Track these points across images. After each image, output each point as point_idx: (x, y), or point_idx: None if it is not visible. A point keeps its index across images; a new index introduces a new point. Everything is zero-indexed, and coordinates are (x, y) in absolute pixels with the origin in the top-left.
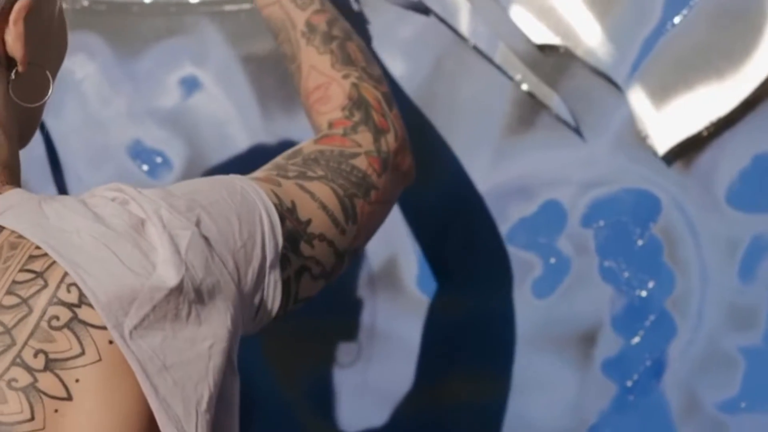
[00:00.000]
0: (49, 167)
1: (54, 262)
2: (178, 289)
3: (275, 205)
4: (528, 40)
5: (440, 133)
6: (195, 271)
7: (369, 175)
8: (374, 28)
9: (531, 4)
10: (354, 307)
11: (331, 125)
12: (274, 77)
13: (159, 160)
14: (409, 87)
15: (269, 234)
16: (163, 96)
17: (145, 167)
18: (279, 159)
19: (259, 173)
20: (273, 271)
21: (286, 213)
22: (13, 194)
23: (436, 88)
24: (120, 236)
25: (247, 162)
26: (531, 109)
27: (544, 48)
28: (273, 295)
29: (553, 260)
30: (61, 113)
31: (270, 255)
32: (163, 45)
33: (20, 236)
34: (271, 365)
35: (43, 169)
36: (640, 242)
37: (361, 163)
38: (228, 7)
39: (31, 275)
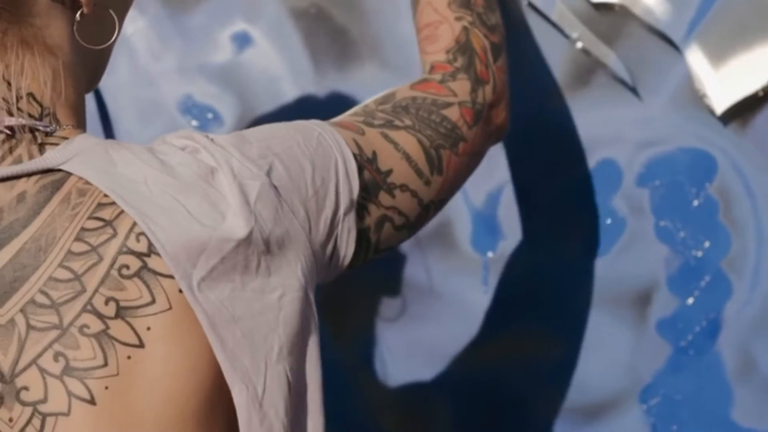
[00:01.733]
0: (99, 122)
1: (123, 211)
2: (247, 241)
3: (354, 154)
4: None
5: None
6: (264, 222)
7: (459, 127)
8: None
9: None
10: (406, 265)
11: (432, 68)
12: (326, 33)
13: (210, 116)
14: None
15: (344, 181)
16: (214, 52)
17: (195, 123)
18: (370, 102)
19: (344, 118)
20: (347, 218)
21: (366, 163)
22: (80, 140)
23: None
24: (188, 186)
25: (298, 118)
26: (587, 67)
27: (600, 6)
28: (346, 244)
29: (608, 220)
30: (112, 68)
31: (344, 203)
32: (214, 0)
33: (88, 183)
34: (321, 319)
35: (94, 124)
36: (695, 202)
37: (453, 113)
38: None
39: (100, 223)
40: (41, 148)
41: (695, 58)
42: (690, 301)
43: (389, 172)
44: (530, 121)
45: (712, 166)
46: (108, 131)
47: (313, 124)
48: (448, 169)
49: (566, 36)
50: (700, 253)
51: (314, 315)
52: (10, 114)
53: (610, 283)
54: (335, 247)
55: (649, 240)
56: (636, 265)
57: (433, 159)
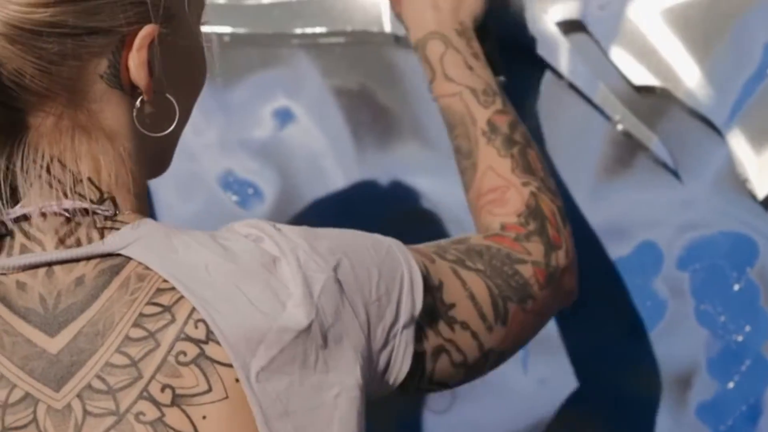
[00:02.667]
0: None
1: (182, 297)
2: (307, 332)
3: (422, 275)
4: (627, 81)
5: None
6: (325, 316)
7: (530, 285)
8: None
9: (631, 45)
10: None
11: (503, 227)
12: (367, 111)
13: (250, 191)
14: None
15: (407, 295)
16: (256, 127)
17: (235, 198)
18: (443, 240)
19: (416, 245)
20: (405, 332)
21: (431, 288)
22: (142, 225)
23: (532, 126)
24: (250, 274)
25: (339, 195)
26: (629, 149)
27: (642, 89)
28: (402, 359)
29: (649, 303)
30: None
31: (404, 316)
32: (257, 76)
33: (147, 268)
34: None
35: None
36: (736, 286)
37: (526, 270)
38: (323, 40)
39: (158, 309)
40: (101, 232)
41: (737, 142)
42: (730, 385)
43: (452, 305)
44: (572, 203)
45: (754, 250)
46: (149, 204)
47: (386, 237)
48: (514, 322)
49: (608, 118)
50: (740, 338)
51: (363, 422)
52: (69, 198)
53: (650, 365)
54: (390, 359)
55: (690, 323)
56: (676, 348)
57: (499, 308)
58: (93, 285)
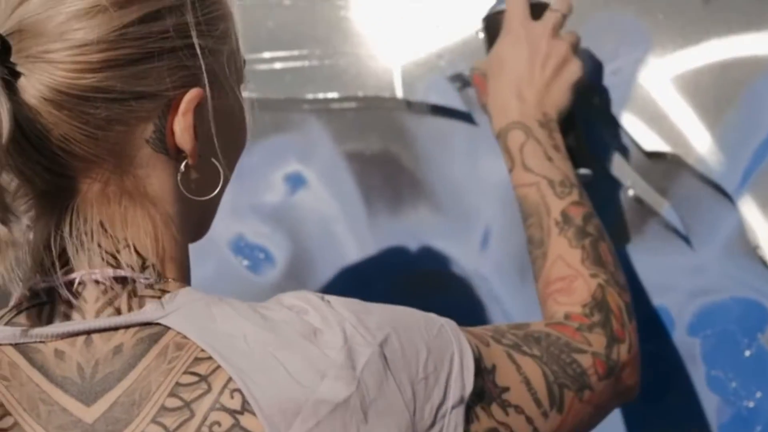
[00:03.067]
0: None
1: (219, 367)
2: (345, 405)
3: (474, 357)
4: (638, 147)
5: None
6: (367, 390)
7: (589, 375)
8: (482, 130)
9: (642, 112)
10: None
11: (567, 317)
12: (379, 176)
13: (261, 255)
14: None
15: (457, 375)
16: (267, 192)
17: (246, 263)
18: (502, 324)
19: (471, 328)
20: (454, 412)
21: (484, 371)
22: (182, 294)
23: None
24: (289, 344)
25: (351, 260)
26: (640, 215)
27: (653, 155)
28: None
29: (660, 367)
30: None
31: (453, 396)
32: (269, 141)
33: (186, 337)
34: None
35: None
36: (747, 352)
37: (585, 360)
38: (335, 105)
39: (195, 378)
40: (141, 300)
41: (748, 209)
42: None
43: (506, 389)
44: None
45: (765, 316)
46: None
47: (440, 318)
48: (570, 411)
49: (620, 184)
50: (752, 404)
51: None
52: (113, 265)
53: (663, 431)
54: None
55: (701, 389)
56: (687, 414)
57: (555, 395)
58: (131, 354)
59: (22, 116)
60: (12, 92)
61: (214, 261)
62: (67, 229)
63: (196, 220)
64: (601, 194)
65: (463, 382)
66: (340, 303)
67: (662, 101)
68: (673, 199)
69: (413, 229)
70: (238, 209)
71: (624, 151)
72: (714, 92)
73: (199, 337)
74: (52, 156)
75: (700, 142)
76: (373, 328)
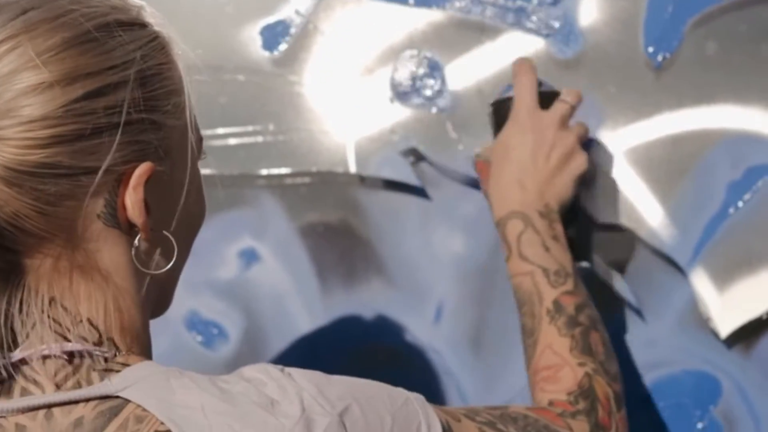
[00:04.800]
0: None
1: None
2: None
3: (444, 429)
4: (591, 220)
5: (502, 310)
6: None
7: None
8: (435, 204)
9: (595, 185)
10: None
11: (551, 403)
12: (333, 251)
13: (215, 331)
14: (470, 264)
15: None
16: (221, 267)
17: (200, 338)
18: (478, 405)
19: (442, 406)
20: None
21: None
22: (142, 367)
23: (498, 265)
24: (245, 415)
25: (304, 334)
26: (593, 288)
27: (606, 228)
28: None
29: None
30: None
31: None
32: (223, 216)
33: (146, 410)
34: None
35: None
36: (700, 425)
37: None
38: (288, 180)
39: None
40: (101, 374)
41: (700, 282)
42: None
43: None
44: None
45: (717, 388)
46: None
47: (405, 391)
48: None
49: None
50: None
51: None
52: (68, 340)
53: None
54: None
55: None
56: None
57: None
58: (92, 427)
59: None
60: None
61: (168, 336)
62: (19, 305)
63: (155, 294)
64: None
65: None
66: (300, 374)
67: (615, 175)
68: (626, 272)
69: (367, 303)
70: (191, 285)
71: (577, 224)
72: (666, 165)
73: (158, 409)
74: (4, 232)
75: (653, 215)
76: (332, 399)
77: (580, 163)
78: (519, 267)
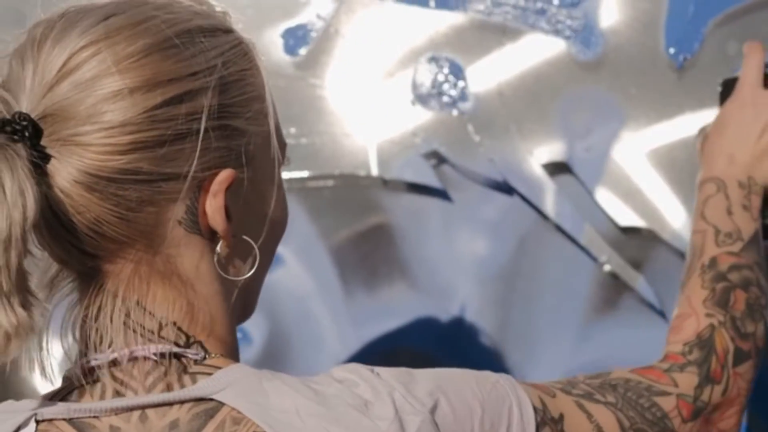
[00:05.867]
0: None
1: None
2: None
3: (536, 408)
4: (613, 222)
5: (524, 312)
6: None
7: (671, 418)
8: (457, 207)
9: (617, 187)
10: None
11: (665, 357)
12: (355, 254)
13: (239, 335)
14: (492, 266)
15: (517, 427)
16: None
17: None
18: (578, 375)
19: (537, 382)
20: None
21: (549, 421)
22: (234, 370)
23: (519, 268)
24: (340, 417)
25: (327, 338)
26: (615, 290)
27: (628, 230)
28: None
29: None
30: None
31: None
32: None
33: (241, 412)
34: None
35: None
36: None
37: (667, 403)
38: (311, 183)
39: None
40: (192, 377)
41: None
42: None
43: None
44: (559, 344)
45: None
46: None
47: (494, 373)
48: None
49: (594, 259)
50: None
51: None
52: (154, 342)
53: None
54: None
55: None
56: None
57: None
58: (188, 429)
59: (53, 199)
60: (42, 176)
61: None
62: (108, 309)
63: (239, 300)
64: (576, 270)
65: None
66: (388, 373)
67: (636, 176)
68: (648, 274)
69: (389, 307)
70: None
71: (599, 227)
72: (688, 166)
73: (253, 412)
74: (85, 238)
75: (675, 216)
76: (421, 396)
77: None
78: (697, 225)
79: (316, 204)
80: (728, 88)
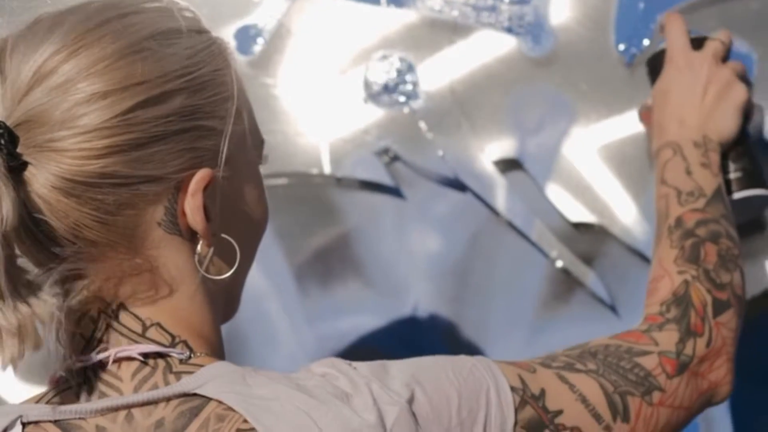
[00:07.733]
0: None
1: None
2: None
3: (515, 387)
4: (564, 218)
5: (477, 308)
6: None
7: (654, 376)
8: (410, 204)
9: (567, 183)
10: None
11: (643, 320)
12: (309, 253)
13: None
14: (445, 263)
15: (496, 411)
16: None
17: None
18: (558, 350)
19: (516, 360)
20: None
21: (530, 399)
22: (218, 366)
23: (472, 264)
24: (322, 404)
25: (283, 337)
26: (566, 285)
27: (579, 226)
28: None
29: None
30: None
31: (494, 431)
32: None
33: (228, 408)
34: None
35: None
36: None
37: (649, 362)
38: (264, 182)
39: None
40: (177, 375)
41: None
42: None
43: (559, 412)
44: (510, 339)
45: None
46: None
47: (469, 358)
48: (638, 417)
49: (545, 255)
50: None
51: None
52: (140, 343)
53: None
54: None
55: None
56: None
57: (617, 405)
58: (173, 428)
59: (32, 206)
60: (19, 182)
61: None
62: (92, 312)
63: (222, 299)
64: (527, 266)
65: (503, 415)
66: (366, 366)
67: (587, 172)
68: (599, 269)
69: (343, 305)
70: None
71: (550, 223)
72: (638, 162)
73: (236, 402)
74: (66, 243)
75: (626, 212)
76: (398, 388)
77: (739, 93)
78: (659, 191)
79: (270, 203)
80: (655, 64)
